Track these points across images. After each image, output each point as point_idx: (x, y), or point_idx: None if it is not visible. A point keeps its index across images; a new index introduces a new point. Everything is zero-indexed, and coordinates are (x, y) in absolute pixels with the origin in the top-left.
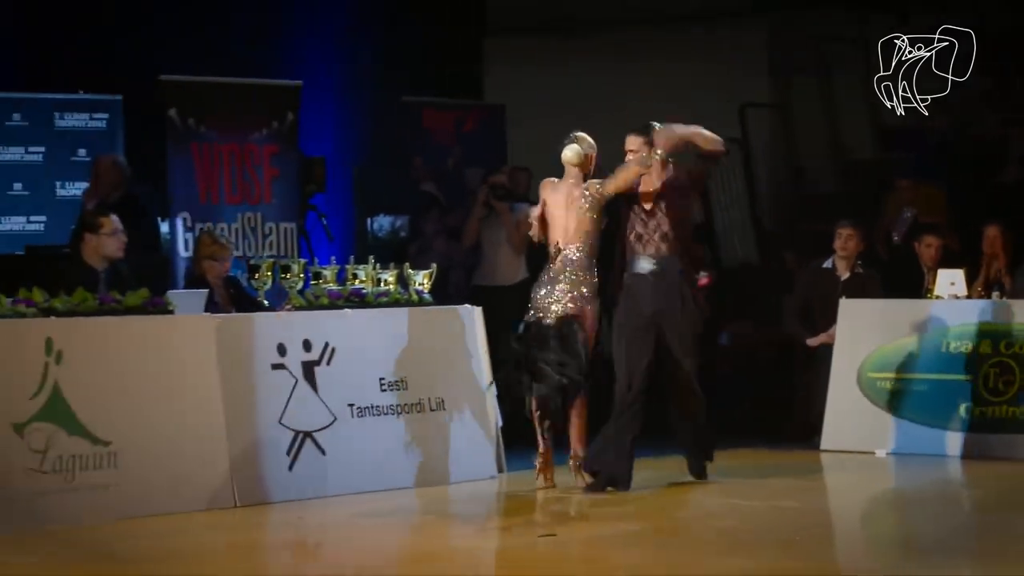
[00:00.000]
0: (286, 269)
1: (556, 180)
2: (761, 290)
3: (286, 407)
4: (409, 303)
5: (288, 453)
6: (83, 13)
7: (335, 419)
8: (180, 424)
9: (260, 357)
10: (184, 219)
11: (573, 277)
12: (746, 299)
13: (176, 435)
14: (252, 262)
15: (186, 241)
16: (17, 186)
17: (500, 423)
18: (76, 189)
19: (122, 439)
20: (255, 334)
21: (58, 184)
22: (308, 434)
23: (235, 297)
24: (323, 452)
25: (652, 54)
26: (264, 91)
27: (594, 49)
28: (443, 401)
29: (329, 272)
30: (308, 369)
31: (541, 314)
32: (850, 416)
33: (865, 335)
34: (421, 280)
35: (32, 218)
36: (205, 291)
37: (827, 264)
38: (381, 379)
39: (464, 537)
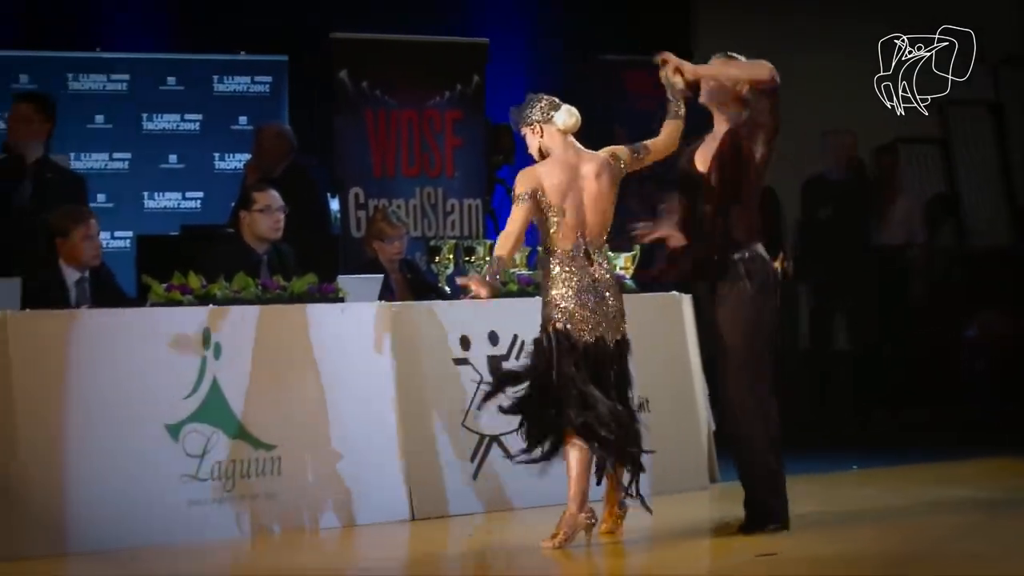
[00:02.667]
0: (470, 251)
1: (552, 161)
2: (1015, 275)
3: (469, 407)
4: None
5: (472, 459)
6: None
7: None
8: (350, 426)
9: (441, 351)
10: (356, 195)
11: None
12: (997, 286)
13: (346, 439)
14: (432, 243)
15: (358, 220)
16: (172, 158)
17: (713, 427)
18: (236, 161)
19: (286, 443)
20: (435, 325)
21: (216, 156)
22: (495, 438)
23: (413, 283)
24: (512, 458)
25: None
26: (447, 50)
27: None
28: (647, 401)
29: (519, 255)
30: (495, 365)
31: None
32: None
33: None
34: (623, 263)
35: (188, 194)
36: (380, 276)
37: None
38: None
39: (673, 555)
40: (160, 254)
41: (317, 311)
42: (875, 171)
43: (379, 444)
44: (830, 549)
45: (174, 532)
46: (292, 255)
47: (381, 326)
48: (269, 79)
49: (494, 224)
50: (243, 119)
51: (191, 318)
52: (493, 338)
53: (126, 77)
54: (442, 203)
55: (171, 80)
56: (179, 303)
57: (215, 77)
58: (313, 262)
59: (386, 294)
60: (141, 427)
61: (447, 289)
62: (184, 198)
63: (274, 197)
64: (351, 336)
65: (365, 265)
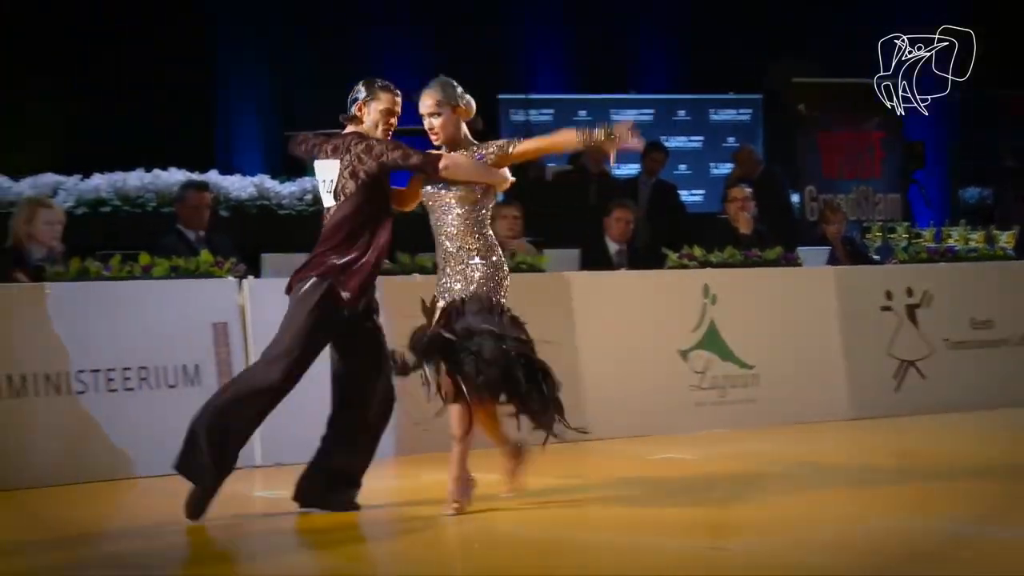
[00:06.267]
0: (892, 230)
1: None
2: None
3: (892, 340)
4: (994, 258)
5: (895, 377)
6: (738, 30)
7: (933, 351)
8: (806, 355)
9: (871, 301)
10: (810, 191)
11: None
12: None
13: (803, 363)
14: (864, 225)
15: (811, 208)
16: (682, 167)
17: None
18: (726, 169)
19: (762, 364)
20: (867, 283)
21: (712, 165)
22: (911, 363)
23: (851, 253)
24: (923, 377)
25: None
26: (874, 89)
27: None
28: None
29: (927, 233)
30: (910, 311)
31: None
32: None
33: None
34: (1005, 239)
35: (693, 191)
36: (827, 248)
37: None
38: (972, 319)
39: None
40: (672, 234)
41: (783, 273)
42: None
43: (826, 367)
44: None
45: (682, 426)
46: (768, 234)
47: (828, 284)
48: (750, 111)
49: (909, 211)
50: (731, 139)
51: (695, 277)
52: (909, 291)
53: (651, 111)
54: (871, 196)
55: (681, 112)
56: (686, 267)
57: (711, 110)
58: (780, 238)
59: (831, 261)
60: (657, 352)
61: (875, 257)
62: (690, 194)
63: (740, 191)
64: (807, 290)
65: (817, 240)
